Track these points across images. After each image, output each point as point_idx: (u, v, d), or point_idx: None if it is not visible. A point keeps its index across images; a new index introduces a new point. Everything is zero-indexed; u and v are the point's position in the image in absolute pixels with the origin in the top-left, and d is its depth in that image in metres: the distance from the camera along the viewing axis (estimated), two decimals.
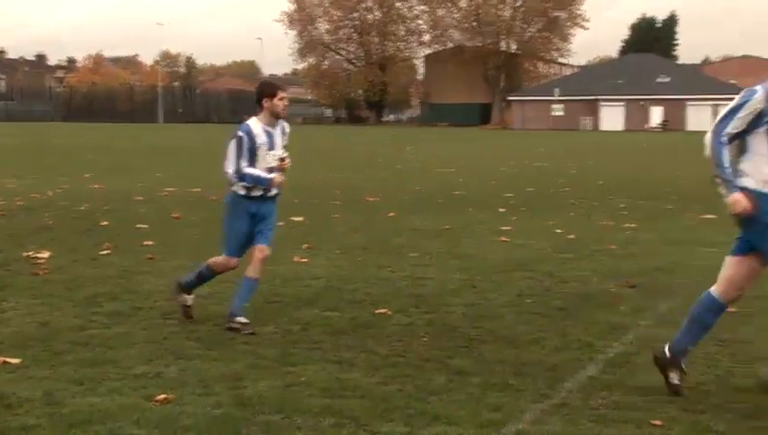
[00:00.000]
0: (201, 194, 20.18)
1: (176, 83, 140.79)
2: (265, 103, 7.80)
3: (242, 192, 7.86)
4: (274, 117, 7.83)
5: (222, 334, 7.66)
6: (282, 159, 7.88)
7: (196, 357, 6.95)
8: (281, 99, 7.80)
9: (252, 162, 7.77)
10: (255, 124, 7.81)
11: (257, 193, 7.86)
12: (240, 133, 7.75)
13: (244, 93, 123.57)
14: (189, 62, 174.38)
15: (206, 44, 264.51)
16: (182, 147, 45.35)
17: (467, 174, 28.14)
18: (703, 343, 7.47)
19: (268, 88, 7.90)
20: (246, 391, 6.12)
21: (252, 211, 7.90)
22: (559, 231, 14.55)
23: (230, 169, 7.77)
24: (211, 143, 48.74)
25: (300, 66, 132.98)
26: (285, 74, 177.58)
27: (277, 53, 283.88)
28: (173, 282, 8.53)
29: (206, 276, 8.26)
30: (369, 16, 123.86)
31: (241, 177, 7.77)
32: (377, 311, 8.59)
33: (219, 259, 8.13)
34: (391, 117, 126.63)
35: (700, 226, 15.51)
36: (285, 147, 7.98)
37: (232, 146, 7.79)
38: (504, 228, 14.83)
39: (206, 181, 23.10)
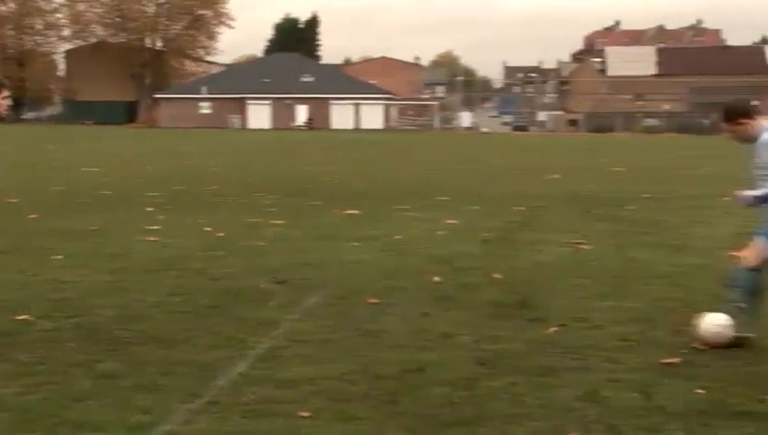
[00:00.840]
0: None
1: None
2: None
3: None
4: None
5: None
6: None
7: None
8: (4, 97, 7.21)
9: None
10: None
11: None
12: None
13: None
14: None
15: None
16: None
17: (113, 173, 27.46)
18: (345, 335, 7.80)
19: None
20: None
21: None
22: (208, 229, 14.56)
23: None
24: None
25: None
26: None
27: None
28: None
29: None
30: (3, 8, 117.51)
31: None
32: (17, 317, 8.18)
33: None
34: (31, 114, 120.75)
35: (344, 221, 16.09)
36: None
37: None
38: (152, 228, 14.62)
39: None
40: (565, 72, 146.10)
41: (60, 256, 11.70)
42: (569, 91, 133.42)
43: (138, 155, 39.20)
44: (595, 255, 12.45)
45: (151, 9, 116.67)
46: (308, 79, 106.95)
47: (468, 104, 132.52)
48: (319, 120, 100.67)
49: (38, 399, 5.94)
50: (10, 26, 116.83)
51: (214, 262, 11.43)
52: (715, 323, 7.43)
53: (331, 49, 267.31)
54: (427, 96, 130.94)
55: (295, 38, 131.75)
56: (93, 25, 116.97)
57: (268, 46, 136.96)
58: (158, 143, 53.49)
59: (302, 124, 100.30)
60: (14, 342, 7.38)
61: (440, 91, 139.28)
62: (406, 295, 9.52)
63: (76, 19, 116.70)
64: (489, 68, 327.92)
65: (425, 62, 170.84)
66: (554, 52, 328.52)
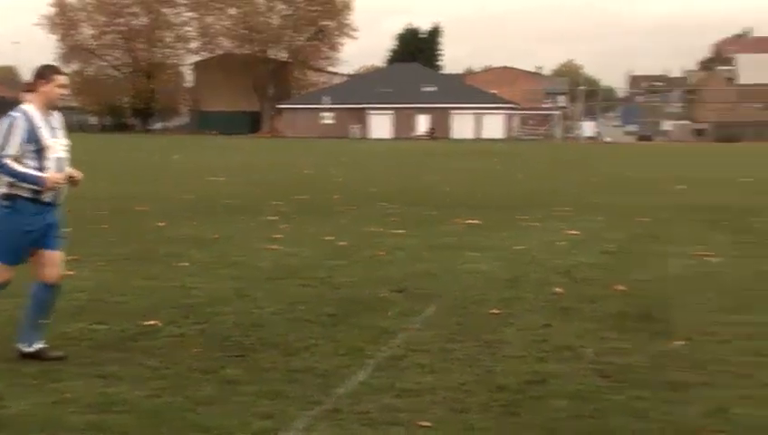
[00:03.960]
0: None
1: None
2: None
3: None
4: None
5: None
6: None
7: None
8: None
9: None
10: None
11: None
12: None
13: (2, 99, 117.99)
14: None
15: None
16: None
17: (237, 182, 28.00)
18: (465, 345, 7.75)
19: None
20: (8, 410, 5.85)
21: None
22: (330, 238, 14.69)
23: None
24: None
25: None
26: None
27: (39, 59, 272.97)
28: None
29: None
30: (136, 22, 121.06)
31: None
32: (146, 322, 8.40)
33: None
34: (159, 125, 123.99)
35: (465, 231, 16.04)
36: None
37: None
38: (275, 236, 14.83)
39: None
40: (692, 81, 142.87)
41: (185, 264, 11.96)
42: (695, 100, 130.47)
43: (261, 165, 39.86)
44: (723, 267, 12.12)
45: (276, 21, 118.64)
46: (429, 88, 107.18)
47: (590, 114, 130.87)
48: (440, 130, 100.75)
49: (166, 402, 6.08)
50: (142, 39, 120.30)
51: (335, 271, 11.51)
52: None
53: (453, 58, 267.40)
54: (549, 106, 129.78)
55: (417, 48, 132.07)
56: (220, 38, 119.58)
57: (390, 56, 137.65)
58: (281, 153, 54.31)
59: (423, 134, 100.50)
60: (143, 346, 7.56)
61: (562, 100, 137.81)
62: (526, 306, 9.43)
63: (204, 32, 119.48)
64: (612, 77, 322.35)
65: (546, 71, 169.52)
66: (680, 61, 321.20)
